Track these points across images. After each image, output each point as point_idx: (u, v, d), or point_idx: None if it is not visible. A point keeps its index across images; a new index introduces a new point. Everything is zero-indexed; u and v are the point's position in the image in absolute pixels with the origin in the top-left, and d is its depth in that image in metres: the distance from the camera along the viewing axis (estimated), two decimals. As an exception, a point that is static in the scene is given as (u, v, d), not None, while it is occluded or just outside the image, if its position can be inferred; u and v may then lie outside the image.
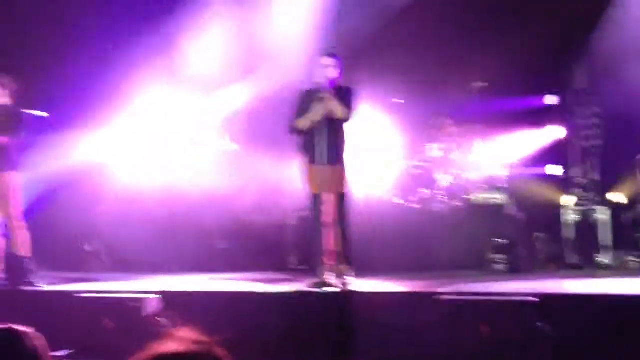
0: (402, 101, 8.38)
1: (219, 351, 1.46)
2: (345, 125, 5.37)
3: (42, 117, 5.95)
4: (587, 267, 7.57)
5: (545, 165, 8.87)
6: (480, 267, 6.95)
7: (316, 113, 5.19)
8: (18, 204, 5.80)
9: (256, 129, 8.89)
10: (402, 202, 7.88)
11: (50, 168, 7.52)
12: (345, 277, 5.26)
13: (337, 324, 4.37)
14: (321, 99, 5.21)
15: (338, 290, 4.98)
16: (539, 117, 8.85)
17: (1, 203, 5.76)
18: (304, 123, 5.30)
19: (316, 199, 5.29)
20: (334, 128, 5.28)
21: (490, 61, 8.63)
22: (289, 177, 8.70)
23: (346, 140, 5.42)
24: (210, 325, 4.24)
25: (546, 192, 8.73)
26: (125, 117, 8.65)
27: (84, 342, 4.45)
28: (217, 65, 8.93)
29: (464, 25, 8.91)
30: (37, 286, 5.80)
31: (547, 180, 8.81)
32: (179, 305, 4.65)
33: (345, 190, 5.37)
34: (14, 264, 5.80)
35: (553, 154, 8.87)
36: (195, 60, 8.94)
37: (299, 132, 5.36)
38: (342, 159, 5.37)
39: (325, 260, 5.27)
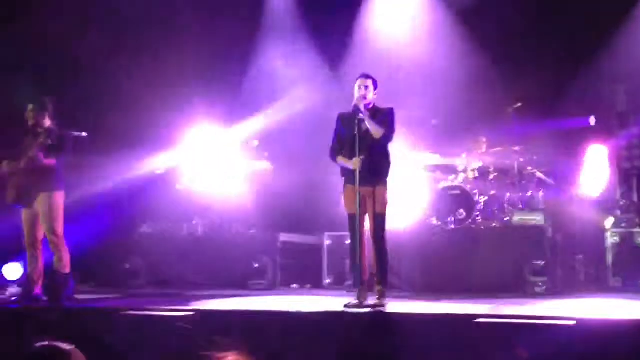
0: (437, 122, 8.37)
1: None
2: (385, 146, 5.36)
3: (82, 137, 6.08)
4: (629, 290, 7.40)
5: (584, 186, 8.74)
6: (519, 290, 6.86)
7: (354, 163, 5.21)
8: (60, 222, 5.95)
9: (294, 148, 8.97)
10: (439, 223, 7.83)
11: (92, 188, 7.72)
12: (381, 298, 5.24)
13: (373, 345, 4.35)
14: (358, 121, 5.24)
15: (374, 311, 4.96)
16: (580, 138, 8.75)
17: (45, 221, 5.91)
18: (340, 162, 5.35)
19: (353, 220, 5.28)
20: (371, 148, 5.29)
21: (529, 82, 8.61)
22: (325, 197, 8.78)
23: (387, 160, 5.41)
24: (248, 344, 4.27)
25: (586, 214, 8.58)
26: (169, 137, 8.87)
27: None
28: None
29: (503, 44, 8.91)
30: (78, 302, 5.92)
31: (587, 201, 8.67)
32: (217, 324, 4.68)
33: (383, 211, 5.35)
34: (56, 280, 5.93)
35: (593, 175, 8.73)
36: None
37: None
38: (381, 179, 5.36)
39: (362, 280, 5.26)
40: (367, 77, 5.41)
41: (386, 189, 5.37)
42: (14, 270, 7.06)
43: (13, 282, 6.94)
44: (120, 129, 9.10)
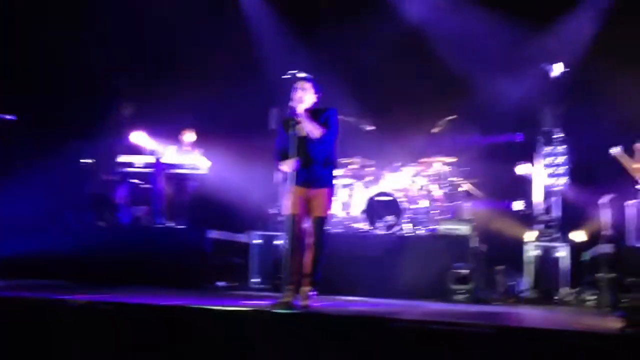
0: (374, 128, 8.48)
1: None
2: (328, 147, 5.35)
3: (10, 120, 5.86)
4: (545, 302, 7.69)
5: (510, 200, 9.04)
6: (441, 296, 7.02)
7: (287, 165, 5.21)
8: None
9: (229, 145, 8.92)
10: (368, 227, 7.94)
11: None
12: (308, 298, 5.26)
13: (297, 345, 4.35)
14: (294, 123, 5.24)
15: (299, 311, 4.97)
16: (507, 153, 9.04)
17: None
18: (285, 167, 5.33)
19: (292, 220, 5.27)
20: (313, 150, 5.29)
21: (460, 97, 8.87)
22: (257, 196, 8.76)
23: (331, 163, 5.41)
24: (169, 340, 4.18)
25: (509, 227, 8.88)
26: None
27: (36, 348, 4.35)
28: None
29: (438, 59, 9.15)
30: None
31: (511, 215, 8.97)
32: (136, 318, 4.58)
33: (324, 214, 5.36)
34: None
35: (518, 189, 9.05)
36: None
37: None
38: (324, 182, 5.36)
39: (291, 281, 5.25)
40: (305, 79, 5.41)
41: (329, 192, 5.37)
42: None
43: None
44: (54, 116, 8.89)
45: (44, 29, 8.84)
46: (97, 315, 4.48)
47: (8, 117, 5.80)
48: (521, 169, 8.72)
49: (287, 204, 5.29)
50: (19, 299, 4.98)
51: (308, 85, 5.36)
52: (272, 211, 8.34)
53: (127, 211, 8.59)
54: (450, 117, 8.51)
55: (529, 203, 8.90)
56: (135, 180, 8.93)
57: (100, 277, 7.24)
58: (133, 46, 9.46)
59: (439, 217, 8.06)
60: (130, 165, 8.77)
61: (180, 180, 8.75)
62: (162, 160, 8.59)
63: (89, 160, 9.40)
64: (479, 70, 9.11)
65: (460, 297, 6.99)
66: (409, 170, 8.47)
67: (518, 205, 8.89)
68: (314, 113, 5.34)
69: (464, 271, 7.04)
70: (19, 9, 9.01)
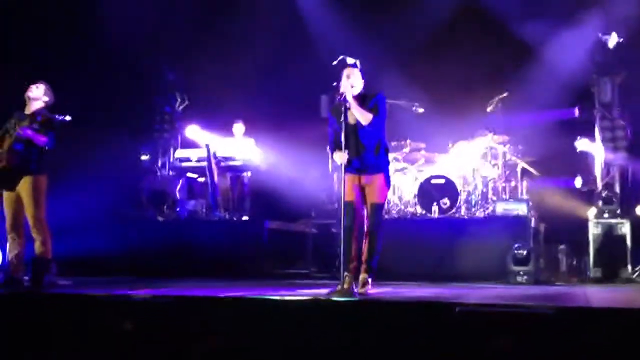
0: (422, 110, 8.38)
1: None
2: (379, 133, 5.32)
3: (66, 121, 6.04)
4: (610, 281, 7.50)
5: (569, 177, 8.82)
6: (502, 278, 6.92)
7: (339, 158, 5.19)
8: (43, 206, 5.91)
9: (289, 135, 8.97)
10: (424, 212, 7.88)
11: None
12: (366, 285, 5.27)
13: (358, 332, 4.37)
14: (345, 110, 5.22)
15: (359, 298, 4.98)
16: (565, 129, 8.82)
17: (28, 205, 5.87)
18: (335, 158, 5.32)
19: (348, 208, 5.27)
20: (363, 136, 5.27)
21: (514, 73, 8.68)
22: (313, 185, 8.81)
23: (383, 148, 5.38)
24: (231, 330, 4.26)
25: (570, 205, 8.66)
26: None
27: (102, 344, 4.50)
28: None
29: (490, 34, 8.96)
30: (60, 288, 5.90)
31: (571, 192, 8.75)
32: (197, 310, 4.68)
33: (380, 200, 5.35)
34: (38, 265, 5.90)
35: (578, 166, 8.82)
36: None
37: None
38: (378, 168, 5.34)
39: (349, 268, 5.27)
40: (351, 65, 5.39)
41: (383, 178, 5.35)
42: (-2, 255, 7.02)
43: (-1, 266, 6.89)
44: (105, 115, 9.12)
45: (94, 26, 9.04)
46: (161, 309, 4.59)
47: (65, 117, 5.98)
48: (581, 145, 8.49)
49: (345, 192, 5.29)
50: (83, 296, 5.15)
51: (355, 71, 5.34)
52: (327, 200, 8.37)
53: (185, 205, 8.77)
54: (502, 95, 8.34)
55: (589, 179, 8.66)
56: (192, 175, 9.10)
57: (161, 271, 7.41)
58: (183, 39, 9.60)
59: (495, 198, 7.93)
60: (186, 159, 8.95)
61: (235, 173, 8.88)
62: (217, 154, 8.72)
63: (147, 157, 9.63)
64: (530, 44, 8.88)
65: (521, 278, 6.88)
66: (462, 152, 8.35)
67: (578, 182, 8.66)
68: (362, 99, 5.31)
69: (524, 252, 6.92)
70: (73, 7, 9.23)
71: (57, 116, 5.98)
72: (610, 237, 7.78)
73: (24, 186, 5.87)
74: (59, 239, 6.20)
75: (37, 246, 5.90)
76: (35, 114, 5.97)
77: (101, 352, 4.41)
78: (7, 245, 6.02)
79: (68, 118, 6.01)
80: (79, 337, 4.47)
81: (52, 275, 5.97)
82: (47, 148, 5.90)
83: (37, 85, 6.09)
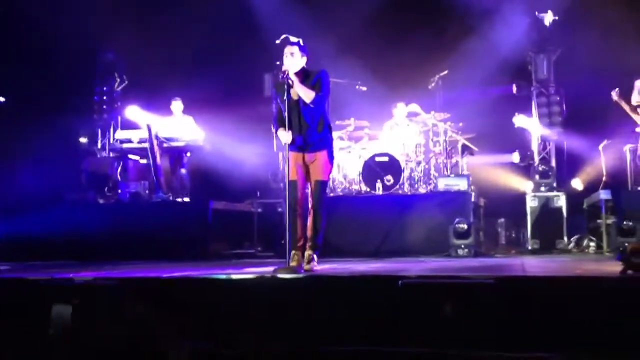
0: (365, 88, 8.45)
1: None
2: (321, 110, 5.33)
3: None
4: (547, 252, 7.77)
5: (507, 152, 9.06)
6: (444, 252, 7.09)
7: (284, 137, 5.20)
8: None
9: (232, 114, 8.89)
10: (368, 189, 7.97)
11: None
12: (311, 262, 5.31)
13: (304, 308, 4.41)
14: (287, 87, 5.21)
15: (304, 275, 5.02)
16: (503, 106, 9.04)
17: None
18: (280, 137, 5.31)
19: (292, 186, 5.29)
20: (306, 114, 5.28)
21: (453, 52, 8.81)
22: (257, 164, 8.77)
23: (326, 125, 5.39)
24: (177, 310, 4.23)
25: (508, 179, 8.92)
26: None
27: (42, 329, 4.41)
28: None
29: (431, 12, 9.06)
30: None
31: (510, 167, 9.01)
32: (141, 290, 4.63)
33: (323, 177, 5.37)
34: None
35: (516, 141, 9.06)
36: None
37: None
38: (321, 146, 5.35)
39: (295, 246, 5.30)
40: (292, 43, 5.36)
41: (327, 156, 5.38)
42: None
43: None
44: (43, 97, 8.85)
45: (29, 9, 8.73)
46: (103, 291, 4.52)
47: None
48: (519, 121, 8.72)
49: (287, 169, 5.31)
50: (23, 280, 5.02)
51: (296, 49, 5.32)
52: (272, 179, 8.36)
53: (126, 187, 8.61)
54: (442, 73, 8.48)
55: (526, 154, 8.93)
56: (133, 156, 8.93)
57: (102, 254, 7.28)
58: (122, 18, 9.36)
59: (437, 174, 8.09)
60: (127, 140, 8.76)
61: (176, 153, 8.75)
62: (157, 134, 8.57)
63: (85, 139, 9.40)
64: (469, 22, 9.03)
65: (462, 251, 7.06)
66: (404, 129, 8.47)
67: (516, 157, 8.91)
68: (304, 76, 5.31)
69: (465, 226, 7.09)
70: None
71: None
72: (546, 209, 8.06)
73: None
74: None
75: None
76: None
77: (41, 337, 4.31)
78: None
79: (1, 99, 5.80)
80: (18, 322, 4.36)
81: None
82: None
83: None
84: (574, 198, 8.30)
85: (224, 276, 4.89)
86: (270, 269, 5.11)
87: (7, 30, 8.84)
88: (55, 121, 8.93)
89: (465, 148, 8.43)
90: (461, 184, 7.70)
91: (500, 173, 8.94)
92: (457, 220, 7.15)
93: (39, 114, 8.77)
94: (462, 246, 7.07)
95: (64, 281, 4.67)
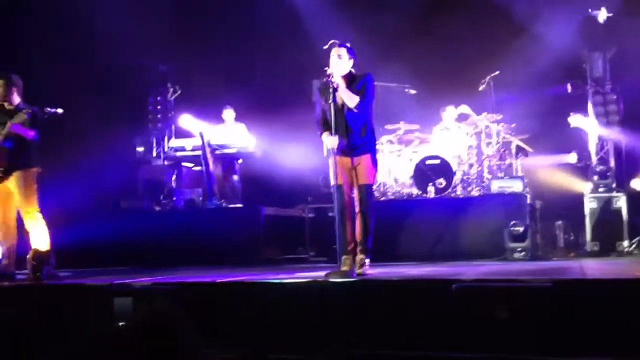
0: (414, 91, 8.39)
1: None
2: (366, 114, 5.32)
3: (58, 114, 6.01)
4: (607, 254, 7.53)
5: (564, 153, 8.84)
6: (499, 256, 6.95)
7: (330, 142, 5.18)
8: (35, 199, 5.90)
9: (281, 121, 8.95)
10: (420, 193, 7.89)
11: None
12: (363, 266, 5.29)
13: (357, 312, 4.39)
14: (333, 91, 5.20)
15: (356, 279, 5.01)
16: (558, 105, 8.83)
17: (21, 198, 5.85)
18: (323, 138, 5.31)
19: (338, 191, 5.28)
20: (350, 118, 5.27)
21: (504, 51, 8.66)
22: (308, 170, 8.80)
23: (370, 130, 5.38)
24: (232, 315, 4.27)
25: (565, 180, 8.70)
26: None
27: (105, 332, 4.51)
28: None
29: (481, 12, 8.94)
30: (59, 279, 5.91)
31: (566, 168, 8.78)
32: (198, 296, 4.70)
33: (367, 181, 5.36)
34: (35, 257, 5.89)
35: (572, 141, 8.83)
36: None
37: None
38: (365, 148, 5.34)
39: (345, 251, 5.29)
40: (340, 45, 5.35)
41: (371, 159, 5.36)
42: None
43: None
44: (100, 108, 9.10)
45: (84, 21, 8.98)
46: (160, 296, 4.61)
47: (57, 110, 5.95)
48: (574, 120, 8.50)
49: (333, 174, 5.31)
50: (84, 286, 5.17)
51: (343, 52, 5.30)
52: (323, 183, 8.38)
53: (181, 194, 8.77)
54: (493, 73, 8.34)
55: (584, 154, 8.69)
56: (187, 164, 9.09)
57: (159, 260, 7.42)
58: (172, 28, 9.55)
59: (490, 176, 7.95)
60: (181, 149, 8.94)
61: (228, 160, 8.87)
62: (210, 141, 8.71)
63: (141, 148, 9.62)
64: (521, 21, 8.86)
65: (518, 255, 6.91)
66: (455, 131, 8.37)
67: (572, 157, 8.68)
68: (350, 80, 5.30)
69: (520, 229, 6.94)
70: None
71: (48, 109, 5.95)
72: (606, 211, 7.82)
73: (14, 181, 5.84)
74: (58, 231, 6.20)
75: (33, 239, 5.90)
76: (18, 108, 5.89)
77: (103, 341, 4.42)
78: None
79: (60, 110, 5.99)
80: (81, 327, 4.48)
81: (51, 267, 5.97)
82: (34, 141, 5.88)
83: (3, 77, 5.91)
84: (634, 198, 8.02)
85: (276, 281, 4.93)
86: (322, 273, 5.11)
87: (67, 45, 9.13)
88: (112, 132, 9.18)
89: (519, 149, 8.26)
90: (516, 186, 7.55)
91: (556, 174, 8.71)
92: (512, 222, 7.00)
93: (97, 125, 9.01)
94: (519, 249, 6.92)
95: (123, 286, 4.79)
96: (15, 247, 5.96)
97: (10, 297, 5.14)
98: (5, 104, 5.93)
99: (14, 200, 5.88)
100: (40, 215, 5.91)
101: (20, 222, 5.96)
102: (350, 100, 5.18)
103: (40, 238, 5.89)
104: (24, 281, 5.82)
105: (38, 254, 5.88)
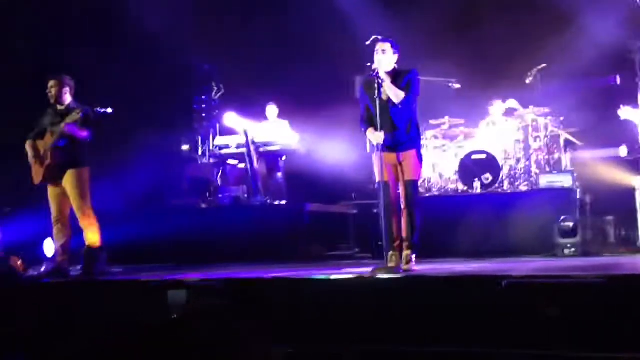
0: (459, 86, 8.29)
1: None
2: (410, 110, 5.29)
3: (108, 113, 6.16)
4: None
5: (614, 146, 8.62)
6: (548, 252, 6.83)
7: (376, 138, 5.15)
8: (88, 197, 6.05)
9: (325, 117, 8.96)
10: (465, 188, 7.81)
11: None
12: (410, 262, 5.27)
13: (403, 309, 4.38)
14: (378, 86, 5.19)
15: (403, 275, 4.99)
16: (607, 98, 8.61)
17: (74, 197, 6.00)
18: (368, 134, 5.31)
19: (384, 187, 5.27)
20: (395, 113, 5.24)
21: (551, 43, 8.49)
22: (352, 166, 8.80)
23: (415, 125, 5.35)
24: (278, 311, 4.31)
25: (616, 174, 8.47)
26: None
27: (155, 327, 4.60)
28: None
29: (526, 4, 8.78)
30: (112, 276, 6.05)
31: (616, 161, 8.56)
32: (245, 292, 4.75)
33: (414, 177, 5.33)
34: (88, 255, 6.05)
35: (622, 134, 8.60)
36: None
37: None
38: (411, 145, 5.31)
39: (391, 247, 5.28)
40: (384, 40, 5.32)
41: (417, 155, 5.33)
42: (50, 246, 7.22)
43: (49, 258, 7.08)
44: (146, 108, 9.26)
45: (128, 20, 9.13)
46: (209, 292, 4.67)
47: (107, 110, 6.09)
48: (624, 113, 8.27)
49: (377, 171, 5.30)
50: (135, 282, 5.28)
51: (387, 47, 5.28)
52: (367, 180, 8.36)
53: (226, 192, 8.86)
54: (540, 66, 8.18)
55: (634, 148, 8.45)
56: (232, 161, 9.19)
57: (206, 256, 7.51)
58: (214, 26, 9.65)
59: (539, 171, 7.81)
60: (226, 146, 9.04)
61: (272, 157, 8.93)
62: (254, 139, 8.78)
63: (187, 146, 9.75)
64: (567, 12, 8.67)
65: (569, 251, 6.77)
66: (501, 125, 8.24)
67: (623, 151, 8.46)
68: (395, 75, 5.28)
69: (570, 224, 6.80)
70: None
71: (98, 109, 6.10)
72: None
73: (68, 179, 6.00)
74: (108, 229, 6.35)
75: (86, 236, 6.05)
76: (71, 108, 6.03)
77: (153, 336, 4.51)
78: (54, 236, 6.18)
79: (110, 110, 6.13)
80: (132, 322, 4.58)
81: (103, 263, 6.12)
82: (87, 140, 6.03)
83: (56, 78, 6.08)
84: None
85: (322, 277, 4.95)
86: (368, 269, 5.11)
87: (114, 46, 9.31)
88: (159, 131, 9.33)
89: (567, 143, 8.10)
90: (565, 181, 7.39)
91: (606, 168, 8.50)
92: (562, 218, 6.86)
93: (144, 124, 9.17)
94: (568, 245, 6.78)
95: (173, 282, 4.87)
96: (69, 243, 6.13)
97: (65, 292, 5.29)
98: (58, 105, 6.09)
99: (68, 198, 6.04)
100: (92, 213, 6.06)
101: (73, 219, 6.12)
102: (396, 96, 5.16)
103: (92, 235, 6.04)
104: (77, 277, 5.98)
105: (91, 250, 6.04)
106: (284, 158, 9.06)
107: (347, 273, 5.22)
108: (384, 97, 5.21)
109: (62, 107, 6.08)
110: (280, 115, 9.20)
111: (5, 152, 7.02)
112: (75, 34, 8.92)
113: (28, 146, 6.07)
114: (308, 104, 9.29)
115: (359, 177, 8.66)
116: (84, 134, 5.95)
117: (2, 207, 7.41)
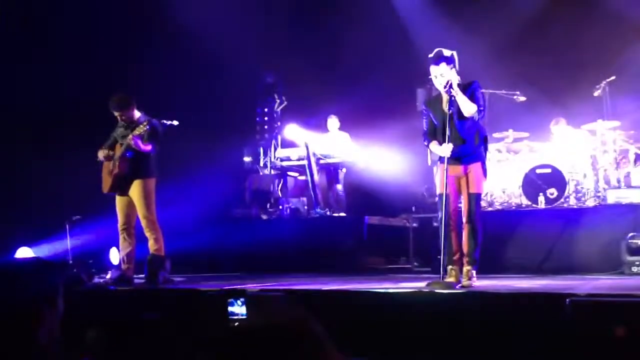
0: (524, 98, 8.13)
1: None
2: (477, 122, 5.23)
3: (173, 125, 6.33)
4: None
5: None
6: (616, 270, 6.59)
7: (444, 150, 5.13)
8: (153, 207, 6.21)
9: (385, 129, 8.96)
10: (529, 203, 7.63)
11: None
12: (471, 278, 5.18)
13: (463, 324, 4.31)
14: (451, 97, 5.12)
15: (463, 290, 4.91)
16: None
17: (140, 207, 6.18)
18: (432, 147, 5.28)
19: (445, 199, 5.21)
20: (461, 126, 5.19)
21: (620, 55, 8.24)
22: (411, 179, 8.75)
23: (481, 138, 5.29)
24: (336, 322, 4.33)
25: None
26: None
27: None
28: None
29: (593, 15, 8.56)
30: (175, 284, 6.19)
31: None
32: (300, 303, 4.78)
33: (477, 191, 5.26)
34: (152, 263, 6.20)
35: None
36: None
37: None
38: (474, 157, 5.26)
39: (451, 261, 5.21)
40: (436, 63, 5.19)
41: (482, 168, 5.26)
42: (115, 254, 7.45)
43: (114, 265, 7.31)
44: (208, 119, 9.47)
45: (193, 34, 9.35)
46: (270, 301, 4.73)
47: (173, 122, 6.27)
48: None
49: (439, 184, 5.25)
50: (197, 291, 5.38)
51: (443, 67, 5.15)
52: (428, 193, 8.30)
53: (286, 203, 8.96)
54: (609, 79, 7.94)
55: None
56: (293, 173, 9.28)
57: (267, 267, 7.60)
58: (277, 39, 9.79)
59: (607, 186, 7.56)
60: (287, 158, 9.15)
61: (332, 169, 8.97)
62: (315, 151, 8.85)
63: (249, 158, 9.92)
64: (635, 24, 8.40)
65: (637, 269, 6.51)
66: (568, 139, 8.03)
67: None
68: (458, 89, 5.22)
69: (639, 241, 6.55)
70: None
71: (164, 122, 6.27)
72: None
73: (135, 190, 6.18)
74: (172, 238, 6.51)
75: (151, 245, 6.21)
76: (140, 121, 6.21)
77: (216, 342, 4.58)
78: (119, 244, 6.37)
79: (175, 123, 6.30)
80: (196, 330, 4.67)
81: (167, 272, 6.26)
82: (152, 154, 6.20)
83: (118, 109, 6.20)
84: None
85: (381, 290, 4.92)
86: (425, 283, 5.06)
87: (177, 61, 9.56)
88: (223, 143, 9.52)
89: (638, 158, 7.81)
90: (634, 196, 7.13)
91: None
92: (630, 235, 6.62)
93: (208, 136, 9.38)
94: (637, 263, 6.53)
95: (235, 291, 4.95)
96: (134, 252, 6.30)
97: (131, 300, 5.44)
98: (126, 119, 6.30)
99: (134, 208, 6.22)
100: (157, 222, 6.22)
101: (139, 228, 6.30)
102: (469, 108, 5.09)
103: (157, 244, 6.20)
104: (141, 285, 6.14)
105: (155, 259, 6.19)
106: (344, 170, 9.09)
107: (405, 287, 5.18)
108: (446, 109, 5.17)
109: (132, 121, 6.29)
110: (341, 128, 9.25)
111: (77, 161, 7.28)
112: (142, 48, 9.20)
113: (101, 154, 6.29)
114: (369, 116, 9.31)
115: (419, 190, 8.60)
116: (148, 147, 6.12)
117: (71, 216, 7.68)
